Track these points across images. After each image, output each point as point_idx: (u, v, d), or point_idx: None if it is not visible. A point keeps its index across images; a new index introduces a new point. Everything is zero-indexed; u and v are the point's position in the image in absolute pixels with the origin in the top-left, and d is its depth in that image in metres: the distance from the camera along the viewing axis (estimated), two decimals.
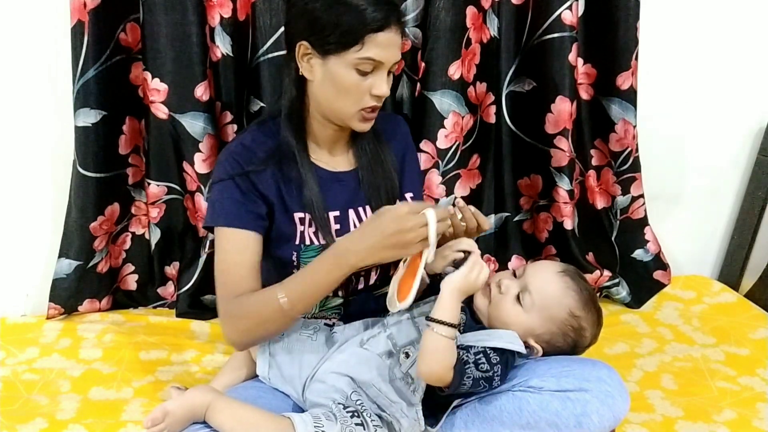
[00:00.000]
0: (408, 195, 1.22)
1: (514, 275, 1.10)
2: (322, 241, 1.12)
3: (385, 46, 1.04)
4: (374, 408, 1.04)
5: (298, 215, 1.12)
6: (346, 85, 1.05)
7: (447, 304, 0.98)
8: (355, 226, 1.15)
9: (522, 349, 1.03)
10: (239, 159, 1.10)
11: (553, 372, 1.02)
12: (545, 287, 1.06)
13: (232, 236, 1.09)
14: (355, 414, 1.01)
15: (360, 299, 1.19)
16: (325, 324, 1.18)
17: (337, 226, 1.14)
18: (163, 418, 0.99)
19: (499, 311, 1.05)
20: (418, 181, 1.34)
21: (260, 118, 1.24)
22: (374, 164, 1.18)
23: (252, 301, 1.06)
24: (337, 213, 1.15)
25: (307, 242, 1.12)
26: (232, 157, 1.11)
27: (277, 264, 1.14)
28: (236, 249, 1.09)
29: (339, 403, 1.03)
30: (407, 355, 1.05)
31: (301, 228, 1.12)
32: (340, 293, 1.18)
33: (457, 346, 0.98)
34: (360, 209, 1.17)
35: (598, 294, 1.73)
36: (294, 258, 1.12)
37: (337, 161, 1.18)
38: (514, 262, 1.74)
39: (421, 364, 0.98)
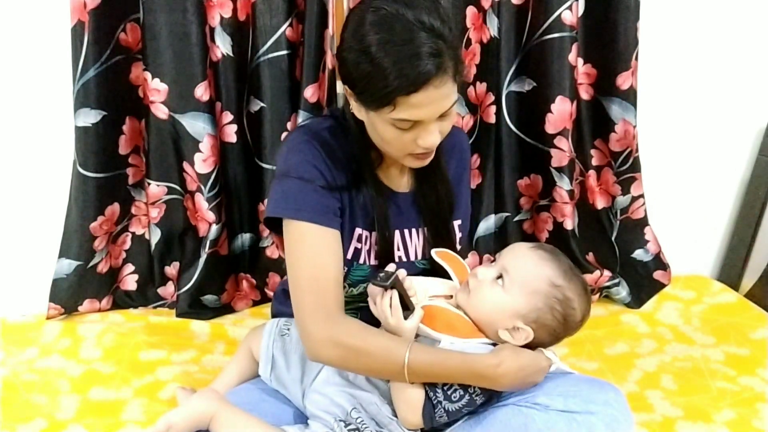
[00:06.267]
0: (456, 223, 1.16)
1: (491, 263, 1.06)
2: (374, 262, 1.08)
3: (422, 106, 0.91)
4: (374, 425, 1.01)
5: (359, 231, 1.06)
6: (386, 138, 0.97)
7: None
8: (403, 247, 1.12)
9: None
10: (321, 152, 1.01)
11: (560, 390, 1.00)
12: (520, 262, 1.01)
13: (319, 234, 0.99)
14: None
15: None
16: None
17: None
18: (167, 430, 0.99)
19: (479, 298, 1.01)
20: (467, 206, 1.25)
21: (333, 108, 1.15)
22: (431, 188, 1.12)
23: (371, 340, 0.96)
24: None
25: (361, 261, 1.07)
26: (314, 148, 1.01)
27: None
28: (327, 249, 1.00)
29: (340, 420, 1.01)
30: None
31: (358, 245, 1.07)
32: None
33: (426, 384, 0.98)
34: (406, 231, 1.13)
35: (597, 294, 1.73)
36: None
37: (394, 180, 1.12)
38: None
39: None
